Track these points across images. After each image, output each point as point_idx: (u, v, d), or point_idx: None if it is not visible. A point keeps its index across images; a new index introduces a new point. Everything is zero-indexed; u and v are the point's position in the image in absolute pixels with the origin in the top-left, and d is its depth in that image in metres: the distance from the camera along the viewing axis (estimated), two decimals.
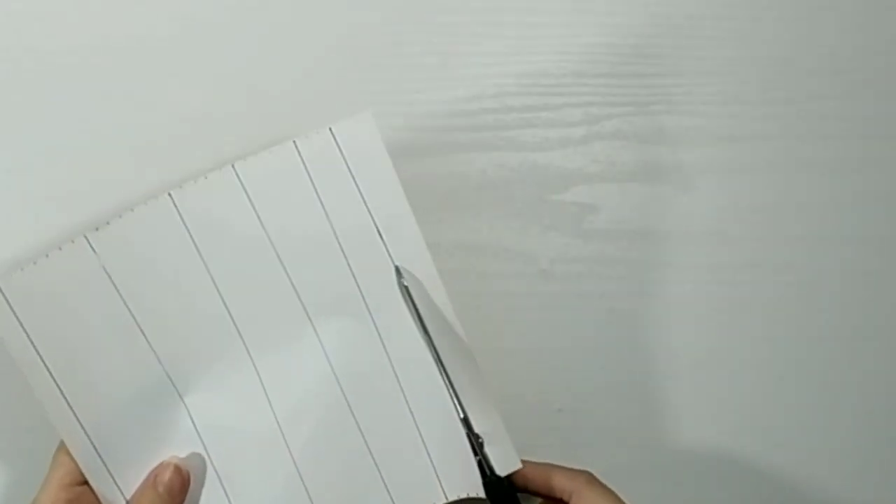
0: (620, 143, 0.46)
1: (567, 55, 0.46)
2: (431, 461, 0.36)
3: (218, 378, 0.35)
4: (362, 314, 0.36)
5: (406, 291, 0.36)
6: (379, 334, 0.36)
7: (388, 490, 0.36)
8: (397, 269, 0.36)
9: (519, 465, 0.37)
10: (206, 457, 0.35)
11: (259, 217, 0.35)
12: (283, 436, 0.35)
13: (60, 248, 0.32)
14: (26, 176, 0.42)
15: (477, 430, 0.36)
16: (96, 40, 0.43)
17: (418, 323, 0.36)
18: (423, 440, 0.36)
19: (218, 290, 0.35)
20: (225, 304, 0.35)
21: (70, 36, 0.43)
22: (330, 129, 0.36)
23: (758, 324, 0.46)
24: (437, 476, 0.36)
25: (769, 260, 0.47)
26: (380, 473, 0.36)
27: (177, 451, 0.34)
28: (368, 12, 0.45)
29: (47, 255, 0.32)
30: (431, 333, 0.36)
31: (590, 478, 0.36)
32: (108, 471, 0.33)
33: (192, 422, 0.35)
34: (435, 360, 0.36)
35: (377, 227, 0.36)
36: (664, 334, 0.46)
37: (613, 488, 0.37)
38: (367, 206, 0.36)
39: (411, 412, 0.36)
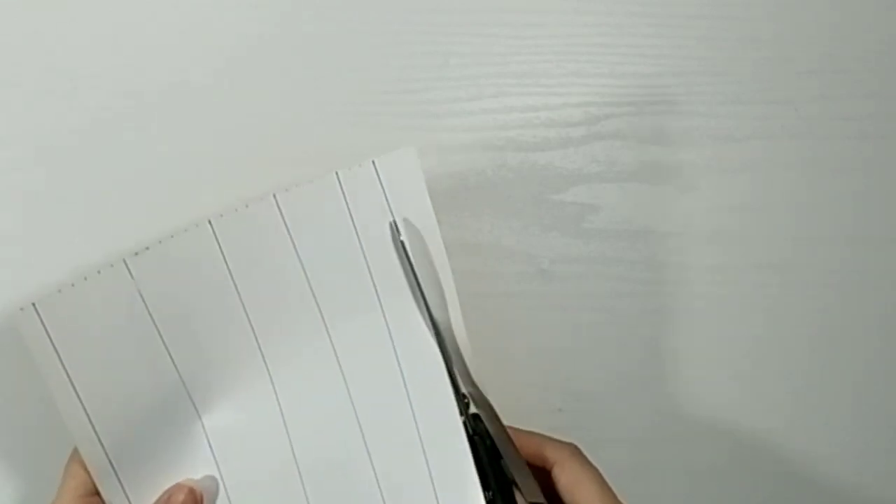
0: (620, 143, 0.46)
1: (567, 55, 0.46)
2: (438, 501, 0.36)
3: (238, 404, 0.35)
4: (389, 356, 0.37)
5: (402, 247, 0.36)
6: (403, 377, 0.37)
7: None
8: (393, 225, 0.36)
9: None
10: (219, 480, 0.35)
11: (295, 247, 0.35)
12: (297, 466, 0.35)
13: (99, 272, 0.32)
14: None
15: (463, 390, 0.37)
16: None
17: (411, 277, 0.36)
18: (434, 487, 0.36)
19: (248, 318, 0.35)
20: (254, 332, 0.35)
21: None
22: (373, 163, 0.36)
23: (758, 324, 0.46)
24: None
25: (769, 260, 0.47)
26: None
27: (190, 471, 0.34)
28: (369, 12, 0.45)
29: (85, 278, 0.32)
30: (424, 289, 0.36)
31: (574, 450, 0.36)
32: (122, 485, 0.33)
33: (209, 443, 0.35)
34: (425, 312, 0.36)
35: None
36: (664, 334, 0.46)
37: (614, 487, 0.37)
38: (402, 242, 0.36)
39: (426, 459, 0.36)
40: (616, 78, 0.46)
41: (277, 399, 0.36)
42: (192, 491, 0.34)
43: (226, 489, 0.35)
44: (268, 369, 0.36)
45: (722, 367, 0.46)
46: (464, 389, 0.37)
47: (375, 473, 0.36)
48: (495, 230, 0.45)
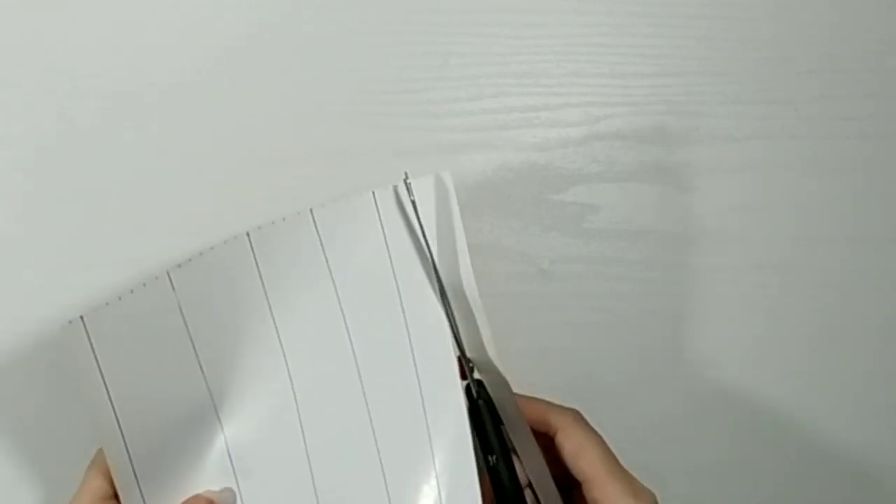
0: (620, 143, 0.46)
1: (567, 55, 0.46)
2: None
3: (260, 417, 0.35)
4: (410, 374, 0.37)
5: (413, 207, 0.36)
6: (423, 403, 0.36)
7: None
8: (406, 184, 0.36)
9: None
10: (237, 491, 0.35)
11: (328, 263, 0.36)
12: (313, 482, 0.36)
13: (145, 285, 0.32)
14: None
15: (469, 355, 0.36)
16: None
17: (420, 236, 0.36)
18: (439, 491, 0.36)
19: (277, 332, 0.35)
20: (282, 346, 0.35)
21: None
22: (406, 182, 0.36)
23: (758, 324, 0.46)
24: None
25: (769, 260, 0.47)
26: None
27: (210, 483, 0.35)
28: (369, 12, 0.45)
29: (132, 291, 0.32)
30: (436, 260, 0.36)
31: (577, 416, 0.36)
32: (142, 495, 0.33)
33: (230, 457, 0.35)
34: (433, 275, 0.36)
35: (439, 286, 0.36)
36: (664, 334, 0.46)
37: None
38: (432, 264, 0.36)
39: (435, 468, 0.36)
40: (616, 78, 0.46)
41: (300, 418, 0.36)
42: (210, 503, 0.34)
43: (243, 501, 0.35)
44: (293, 387, 0.36)
45: (722, 367, 0.46)
46: (469, 354, 0.37)
47: (388, 494, 0.36)
48: (495, 230, 0.45)
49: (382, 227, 0.36)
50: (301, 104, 0.44)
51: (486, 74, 0.46)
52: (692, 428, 0.46)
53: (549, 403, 0.37)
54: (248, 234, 0.34)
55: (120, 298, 0.32)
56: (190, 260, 0.33)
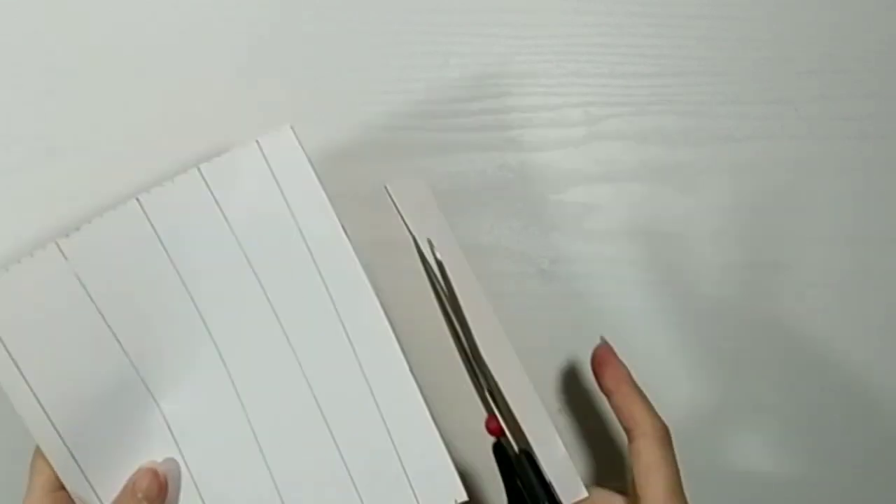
0: (620, 143, 0.46)
1: (567, 55, 0.46)
2: (403, 467, 0.36)
3: (191, 381, 0.35)
4: (332, 317, 0.36)
5: (440, 266, 0.35)
6: (348, 336, 0.36)
7: (358, 494, 0.36)
8: (429, 241, 0.36)
9: (464, 497, 0.36)
10: (181, 460, 0.35)
11: (225, 217, 0.35)
12: (255, 438, 0.36)
13: (32, 255, 0.32)
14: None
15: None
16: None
17: (447, 299, 0.36)
18: (394, 445, 0.36)
19: (189, 293, 0.35)
20: (196, 306, 0.35)
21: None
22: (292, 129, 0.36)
23: (758, 324, 0.46)
24: (412, 487, 0.36)
25: (769, 260, 0.47)
26: (350, 476, 0.36)
27: (152, 454, 0.35)
28: (369, 12, 0.45)
29: (19, 261, 0.32)
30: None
31: (663, 434, 0.35)
32: (85, 476, 0.33)
33: (168, 425, 0.35)
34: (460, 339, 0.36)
35: (307, 245, 0.36)
36: (664, 334, 0.46)
37: (618, 486, 0.37)
38: (295, 220, 0.36)
39: (382, 417, 0.36)
40: (616, 78, 0.46)
41: (229, 373, 0.36)
42: (155, 473, 0.34)
43: (189, 468, 0.35)
44: (216, 344, 0.35)
45: (722, 367, 0.46)
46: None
47: (331, 433, 0.36)
48: (495, 230, 0.45)
49: (274, 176, 0.35)
50: (301, 104, 0.44)
51: (486, 74, 0.46)
52: (691, 428, 0.46)
53: (647, 405, 0.36)
54: (137, 199, 0.34)
55: (7, 269, 0.31)
56: (78, 229, 0.33)
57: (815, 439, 0.46)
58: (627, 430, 0.36)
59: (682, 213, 0.46)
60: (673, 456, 0.35)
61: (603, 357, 0.37)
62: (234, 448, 0.35)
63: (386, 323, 0.35)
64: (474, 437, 0.39)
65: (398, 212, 0.36)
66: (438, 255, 0.36)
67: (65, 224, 0.42)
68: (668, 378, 0.46)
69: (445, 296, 0.36)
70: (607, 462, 0.45)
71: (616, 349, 0.46)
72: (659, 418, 0.36)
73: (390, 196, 0.36)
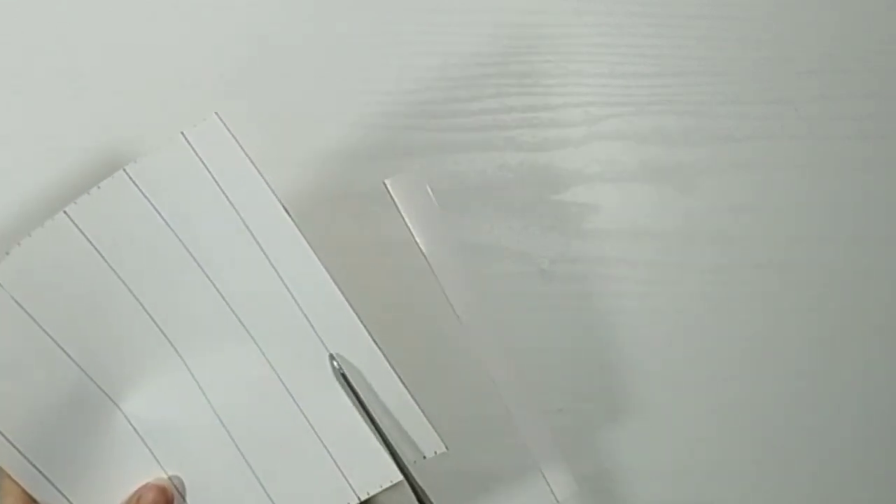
0: (620, 143, 0.46)
1: (567, 55, 0.46)
2: (335, 462, 0.36)
3: (150, 380, 0.35)
4: (282, 293, 0.36)
5: (343, 378, 0.35)
6: (301, 309, 0.36)
7: (338, 466, 0.36)
8: (331, 356, 0.36)
9: (443, 448, 0.36)
10: (152, 458, 0.35)
11: (159, 213, 0.35)
12: (221, 422, 0.36)
13: None
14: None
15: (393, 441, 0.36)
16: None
17: (356, 405, 0.35)
18: (320, 441, 0.36)
19: (133, 295, 0.35)
20: (142, 305, 0.35)
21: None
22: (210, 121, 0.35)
23: (758, 324, 0.46)
24: (345, 477, 0.36)
25: (769, 260, 0.47)
26: (324, 446, 0.36)
27: (122, 457, 0.35)
28: (369, 12, 0.45)
29: None
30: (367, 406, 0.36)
31: None
32: (56, 487, 0.33)
33: (133, 427, 0.35)
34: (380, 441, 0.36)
35: (249, 230, 0.35)
36: (664, 334, 0.46)
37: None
38: (234, 208, 0.35)
39: (303, 413, 0.36)
40: (616, 78, 0.46)
41: (186, 365, 0.36)
42: (161, 489, 0.34)
43: (160, 465, 0.35)
44: (168, 339, 0.35)
45: (722, 367, 0.46)
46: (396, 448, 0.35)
47: (302, 411, 0.36)
48: (495, 230, 0.45)
49: (205, 165, 0.35)
50: (301, 104, 0.44)
51: (486, 74, 0.46)
52: (692, 428, 0.46)
53: None
54: (65, 212, 0.33)
55: None
56: (7, 253, 0.33)
57: (815, 439, 0.46)
58: None
59: (682, 213, 0.46)
60: None
61: None
62: (201, 435, 0.36)
63: (333, 286, 0.35)
64: (472, 439, 0.39)
65: (397, 208, 0.36)
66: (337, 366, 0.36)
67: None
68: (667, 378, 0.46)
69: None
70: (608, 462, 0.45)
71: (616, 349, 0.46)
72: None
73: (389, 192, 0.36)
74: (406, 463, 0.35)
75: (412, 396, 0.36)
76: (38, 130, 0.43)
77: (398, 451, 0.35)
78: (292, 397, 0.36)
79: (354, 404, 0.35)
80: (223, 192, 0.35)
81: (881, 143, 0.47)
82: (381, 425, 0.35)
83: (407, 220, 0.36)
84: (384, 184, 0.36)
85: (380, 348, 0.35)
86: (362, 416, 0.35)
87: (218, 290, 0.36)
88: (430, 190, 0.37)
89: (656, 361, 0.46)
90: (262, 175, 0.34)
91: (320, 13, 0.45)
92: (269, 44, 0.45)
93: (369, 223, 0.43)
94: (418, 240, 0.36)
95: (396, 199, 0.36)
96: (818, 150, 0.47)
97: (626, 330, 0.46)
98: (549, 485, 0.36)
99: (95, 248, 0.34)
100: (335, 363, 0.35)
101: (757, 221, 0.47)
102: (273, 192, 0.35)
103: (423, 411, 0.36)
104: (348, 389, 0.35)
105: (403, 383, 0.35)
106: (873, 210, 0.47)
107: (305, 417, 0.36)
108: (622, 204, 0.46)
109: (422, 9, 0.45)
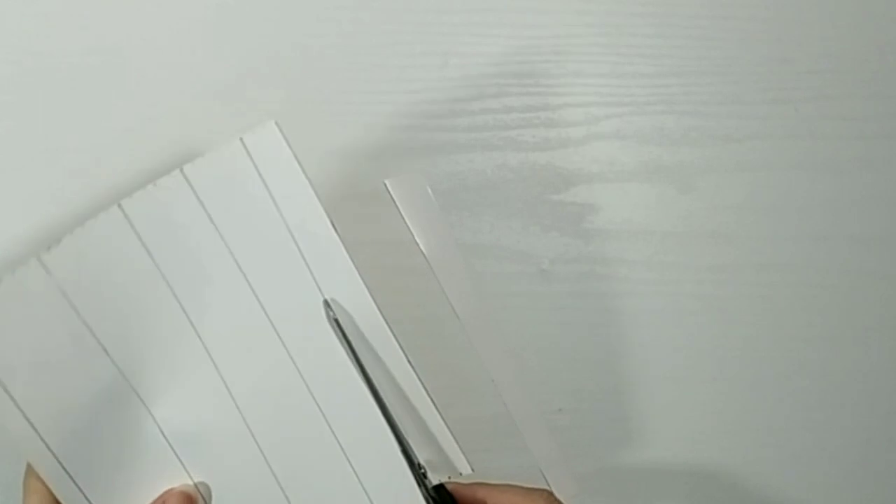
0: (620, 143, 0.46)
1: (567, 55, 0.46)
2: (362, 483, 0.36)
3: (182, 385, 0.35)
4: (317, 301, 0.36)
5: (336, 325, 0.35)
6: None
7: (363, 487, 0.36)
8: (326, 303, 0.36)
9: (469, 471, 0.36)
10: (179, 465, 0.35)
11: (211, 218, 0.35)
12: (255, 440, 0.36)
13: (13, 272, 0.31)
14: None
15: (421, 458, 0.36)
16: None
17: (351, 356, 0.35)
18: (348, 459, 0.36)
19: (175, 296, 0.34)
20: (183, 308, 0.35)
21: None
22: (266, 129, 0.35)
23: (758, 324, 0.46)
24: (370, 500, 0.36)
25: (769, 260, 0.47)
26: (353, 469, 0.36)
27: (148, 463, 0.34)
28: (369, 12, 0.45)
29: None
30: (365, 365, 0.36)
31: (549, 498, 0.35)
32: (83, 493, 0.33)
33: (162, 432, 0.35)
34: (370, 392, 0.36)
35: (296, 242, 0.36)
36: (664, 334, 0.46)
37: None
38: (282, 217, 0.35)
39: (334, 434, 0.36)
40: (616, 78, 0.46)
41: (220, 373, 0.35)
42: (186, 496, 0.34)
43: (188, 472, 0.35)
44: (205, 347, 0.35)
45: (722, 367, 0.46)
46: (419, 459, 0.36)
47: (332, 429, 0.36)
48: (495, 230, 0.45)
49: (258, 171, 0.35)
50: (301, 104, 0.44)
51: (486, 74, 0.46)
52: (692, 428, 0.46)
53: (517, 489, 0.36)
54: (119, 206, 0.33)
55: None
56: (59, 241, 0.32)
57: (815, 439, 0.46)
58: None
59: (682, 213, 0.46)
60: None
61: (457, 490, 0.37)
62: (230, 443, 0.35)
63: (388, 331, 0.35)
64: (472, 439, 0.39)
65: (397, 208, 0.36)
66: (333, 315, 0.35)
67: (64, 224, 0.42)
68: (667, 377, 0.46)
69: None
70: (608, 462, 0.45)
71: (616, 349, 0.46)
72: (534, 490, 0.36)
73: (389, 192, 0.36)
74: (397, 422, 0.35)
75: (409, 360, 0.35)
76: (38, 131, 0.43)
77: (386, 402, 0.35)
78: (326, 420, 0.36)
79: (347, 352, 0.35)
80: (274, 202, 0.35)
81: (881, 143, 0.47)
82: (374, 381, 0.35)
83: (407, 220, 0.36)
84: (384, 184, 0.36)
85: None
86: (355, 367, 0.35)
87: (259, 300, 0.36)
88: (430, 190, 0.37)
89: (656, 361, 0.46)
90: (314, 188, 0.34)
91: (320, 13, 0.45)
92: (268, 44, 0.45)
93: (369, 223, 0.43)
94: (418, 240, 0.36)
95: (396, 199, 0.36)
96: (818, 150, 0.47)
97: (625, 330, 0.46)
98: (549, 485, 0.36)
99: (143, 245, 0.34)
100: (330, 311, 0.35)
101: (757, 221, 0.47)
102: (323, 206, 0.35)
103: (414, 368, 0.35)
104: (341, 337, 0.35)
105: (402, 348, 0.35)
106: (873, 210, 0.47)
107: (336, 439, 0.36)
108: (622, 204, 0.46)
109: (421, 9, 0.45)
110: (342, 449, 0.36)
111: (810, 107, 0.47)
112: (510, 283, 0.45)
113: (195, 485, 0.35)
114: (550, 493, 0.36)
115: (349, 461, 0.36)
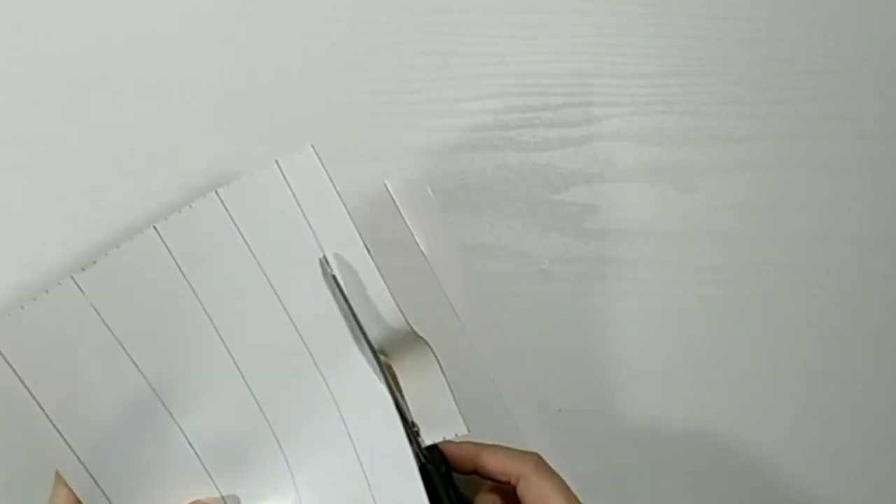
0: (620, 143, 0.46)
1: (567, 55, 0.46)
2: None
3: (212, 399, 0.35)
4: (357, 334, 0.37)
5: (334, 281, 0.35)
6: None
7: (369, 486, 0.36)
8: (322, 260, 0.35)
9: (465, 431, 0.36)
10: (208, 478, 0.35)
11: (245, 240, 0.35)
12: (280, 448, 0.36)
13: (47, 291, 0.32)
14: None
15: (416, 417, 0.36)
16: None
17: (346, 310, 0.35)
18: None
19: (207, 315, 0.35)
20: (216, 328, 0.35)
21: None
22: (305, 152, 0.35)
23: (758, 324, 0.46)
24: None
25: (769, 260, 0.47)
26: (370, 490, 0.36)
27: (177, 476, 0.35)
28: (369, 12, 0.45)
29: (34, 299, 0.32)
30: (362, 321, 0.36)
31: (537, 462, 0.35)
32: (108, 499, 0.33)
33: (190, 444, 0.35)
34: (369, 354, 0.36)
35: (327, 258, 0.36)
36: (664, 334, 0.46)
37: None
38: (317, 241, 0.36)
39: (361, 465, 0.36)
40: (616, 78, 0.46)
41: (250, 389, 0.36)
42: None
43: (216, 484, 0.35)
44: (236, 364, 0.35)
45: (722, 367, 0.46)
46: (413, 418, 0.36)
47: (354, 444, 0.36)
48: (495, 230, 0.45)
49: (294, 194, 0.35)
50: (301, 105, 0.44)
51: (486, 74, 0.46)
52: (692, 428, 0.46)
53: (507, 451, 0.36)
54: (155, 228, 0.34)
55: (22, 307, 0.31)
56: (94, 262, 0.33)
57: (815, 439, 0.46)
58: (508, 482, 0.35)
59: (682, 213, 0.46)
60: (558, 478, 0.35)
61: (449, 450, 0.37)
62: (258, 456, 0.36)
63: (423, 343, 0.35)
64: (472, 439, 0.39)
65: (397, 208, 0.36)
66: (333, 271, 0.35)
67: (64, 223, 0.42)
68: (667, 378, 0.46)
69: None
70: (608, 462, 0.45)
71: (616, 348, 0.46)
72: (524, 452, 0.36)
73: (389, 192, 0.36)
74: (390, 381, 0.35)
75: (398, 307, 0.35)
76: (38, 131, 0.43)
77: (381, 360, 0.35)
78: (353, 445, 0.36)
79: (342, 308, 0.35)
80: (309, 225, 0.35)
81: (881, 143, 0.47)
82: (368, 333, 0.35)
83: (407, 220, 0.36)
84: (384, 184, 0.36)
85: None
86: (349, 321, 0.35)
87: (293, 322, 0.36)
88: (430, 190, 0.37)
89: (656, 361, 0.46)
90: (349, 213, 0.35)
91: (320, 14, 0.45)
92: (268, 44, 0.45)
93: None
94: (418, 240, 0.36)
95: (396, 199, 0.36)
96: (818, 150, 0.47)
97: (625, 330, 0.46)
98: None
99: (178, 266, 0.34)
100: (328, 267, 0.35)
101: (757, 221, 0.47)
102: (358, 230, 0.35)
103: (409, 322, 0.35)
104: (338, 292, 0.35)
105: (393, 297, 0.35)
106: (873, 210, 0.47)
107: (357, 454, 0.36)
108: (622, 204, 0.46)
109: (421, 9, 0.45)
110: (359, 460, 0.36)
111: (810, 107, 0.47)
112: (510, 283, 0.45)
113: (223, 497, 0.35)
114: (540, 456, 0.36)
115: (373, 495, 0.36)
